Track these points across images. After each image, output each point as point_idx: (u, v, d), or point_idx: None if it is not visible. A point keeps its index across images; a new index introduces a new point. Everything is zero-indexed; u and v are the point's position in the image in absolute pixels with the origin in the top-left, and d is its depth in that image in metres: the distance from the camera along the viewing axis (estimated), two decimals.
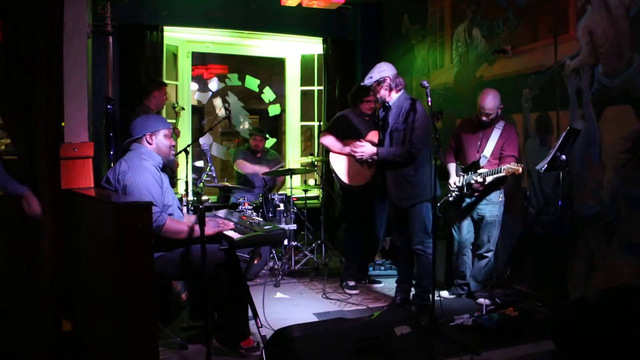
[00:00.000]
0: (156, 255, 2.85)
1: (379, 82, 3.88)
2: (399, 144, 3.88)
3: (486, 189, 4.14)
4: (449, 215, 4.47)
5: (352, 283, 4.69)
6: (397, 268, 4.28)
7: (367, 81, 3.92)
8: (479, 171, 4.04)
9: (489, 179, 3.99)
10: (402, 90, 3.96)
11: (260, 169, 5.68)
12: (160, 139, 3.26)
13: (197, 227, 3.02)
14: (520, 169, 3.82)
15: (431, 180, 3.59)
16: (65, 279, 3.28)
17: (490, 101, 4.03)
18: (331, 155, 4.72)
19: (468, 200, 4.25)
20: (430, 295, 3.54)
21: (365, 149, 4.07)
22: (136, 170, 3.07)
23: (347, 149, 4.61)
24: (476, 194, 4.19)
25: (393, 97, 3.93)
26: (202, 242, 2.80)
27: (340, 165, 4.65)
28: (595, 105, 3.92)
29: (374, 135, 4.49)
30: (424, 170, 3.88)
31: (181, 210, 3.37)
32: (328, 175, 5.83)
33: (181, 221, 3.20)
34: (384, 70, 3.89)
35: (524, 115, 4.55)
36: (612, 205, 3.80)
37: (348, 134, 4.68)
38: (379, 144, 4.10)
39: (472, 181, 4.06)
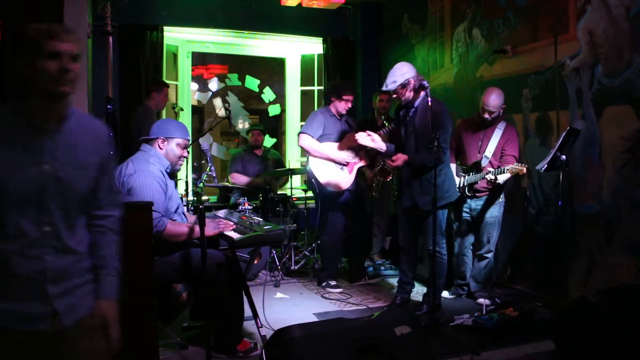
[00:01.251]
0: (155, 259, 2.84)
1: (404, 85, 3.77)
2: (425, 145, 3.78)
3: (489, 191, 4.13)
4: (449, 216, 4.47)
5: (333, 282, 4.68)
6: (400, 269, 4.24)
7: (392, 85, 3.78)
8: (489, 169, 4.01)
9: (501, 177, 3.91)
10: (427, 90, 3.85)
11: (254, 180, 5.61)
12: (172, 147, 3.21)
13: (197, 228, 3.01)
14: (525, 169, 3.81)
15: (434, 182, 3.54)
16: None
17: (495, 99, 4.02)
18: (311, 159, 4.57)
19: (468, 200, 4.25)
20: (432, 295, 3.57)
21: (399, 161, 3.86)
22: (142, 175, 3.04)
23: (332, 154, 4.51)
24: (477, 194, 4.19)
25: (417, 98, 3.85)
26: (202, 242, 2.79)
27: (322, 171, 4.53)
28: (595, 105, 3.92)
29: (350, 139, 4.38)
30: (446, 171, 3.86)
31: (185, 215, 3.34)
32: None
33: (182, 223, 3.19)
34: (406, 72, 3.77)
35: (524, 115, 4.55)
36: (612, 205, 3.79)
37: (322, 135, 4.57)
38: (397, 142, 4.01)
39: (488, 178, 3.95)
